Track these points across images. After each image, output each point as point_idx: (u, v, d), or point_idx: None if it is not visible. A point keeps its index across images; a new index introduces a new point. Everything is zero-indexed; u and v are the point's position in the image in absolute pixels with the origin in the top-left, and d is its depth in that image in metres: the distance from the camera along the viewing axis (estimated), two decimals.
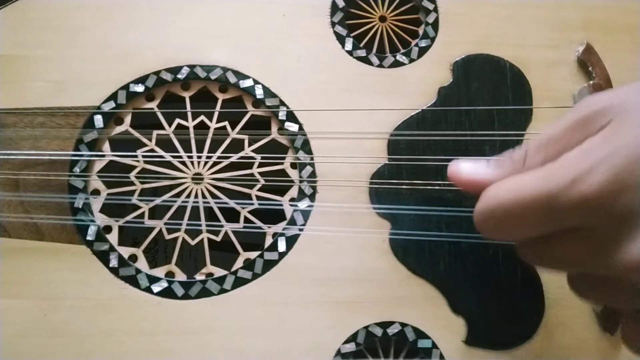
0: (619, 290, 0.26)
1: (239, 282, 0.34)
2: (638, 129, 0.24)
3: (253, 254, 0.35)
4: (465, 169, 0.30)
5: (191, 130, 0.37)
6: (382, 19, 0.41)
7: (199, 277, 0.35)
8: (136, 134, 0.37)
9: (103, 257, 0.34)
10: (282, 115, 0.37)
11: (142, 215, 0.36)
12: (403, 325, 0.34)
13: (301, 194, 0.36)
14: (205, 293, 0.34)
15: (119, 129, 0.37)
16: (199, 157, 0.37)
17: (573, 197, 0.24)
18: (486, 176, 0.29)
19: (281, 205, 0.36)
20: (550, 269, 0.29)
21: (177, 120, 0.37)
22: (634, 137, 0.24)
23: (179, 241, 0.36)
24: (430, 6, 0.40)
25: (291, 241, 0.35)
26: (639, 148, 0.23)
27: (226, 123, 0.38)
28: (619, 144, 0.24)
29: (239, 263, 0.35)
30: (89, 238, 0.35)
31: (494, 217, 0.27)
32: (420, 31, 0.40)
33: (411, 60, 0.39)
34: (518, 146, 0.29)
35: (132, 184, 0.36)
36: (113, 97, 0.37)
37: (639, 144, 0.24)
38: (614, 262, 0.24)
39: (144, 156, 0.37)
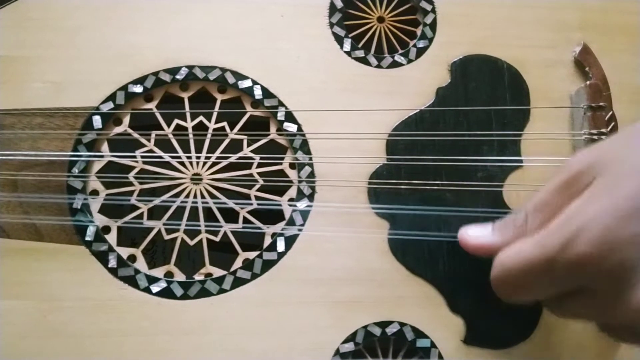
0: (633, 333, 0.28)
1: (238, 282, 0.35)
2: (616, 190, 0.25)
3: (252, 254, 0.35)
4: (473, 236, 0.33)
5: (190, 130, 0.37)
6: (380, 19, 0.41)
7: (198, 277, 0.35)
8: (135, 135, 0.37)
9: (102, 257, 0.34)
10: (280, 115, 0.37)
11: (141, 216, 0.36)
12: (402, 324, 0.35)
13: (300, 194, 0.36)
14: (204, 293, 0.34)
15: (117, 130, 0.37)
16: (198, 158, 0.37)
17: (565, 262, 0.26)
18: (491, 243, 0.31)
19: (280, 205, 0.37)
20: (573, 320, 0.32)
21: (176, 121, 0.37)
22: (614, 197, 0.25)
23: (178, 241, 0.36)
24: (428, 7, 0.40)
25: (290, 241, 0.35)
26: (618, 209, 0.25)
27: (225, 123, 0.38)
28: (601, 205, 0.26)
29: (238, 263, 0.35)
30: (87, 238, 0.35)
31: (505, 283, 0.30)
32: (418, 32, 0.40)
33: (409, 61, 0.39)
34: (519, 210, 0.31)
35: (130, 184, 0.36)
36: (112, 97, 0.37)
37: (618, 206, 0.25)
38: (621, 313, 0.26)
39: (142, 157, 0.37)
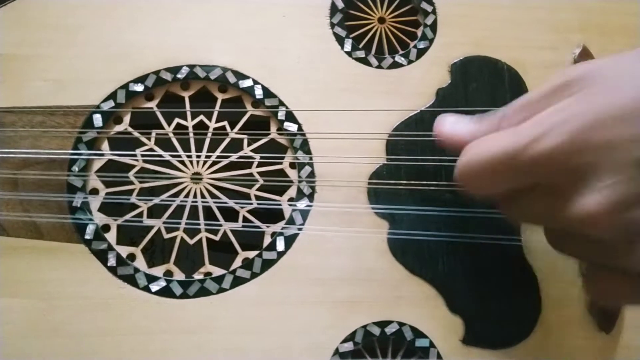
0: (582, 243, 0.28)
1: (238, 282, 0.35)
2: (603, 96, 0.26)
3: (252, 254, 0.35)
4: (449, 123, 0.32)
5: (190, 129, 0.37)
6: (381, 20, 0.42)
7: (198, 276, 0.35)
8: (135, 133, 0.37)
9: (101, 256, 0.34)
10: (281, 115, 0.37)
11: (140, 215, 0.36)
12: (401, 324, 0.35)
13: (300, 194, 0.36)
14: (203, 292, 0.34)
15: (118, 128, 0.37)
16: (198, 157, 0.37)
17: (532, 154, 0.26)
18: (467, 131, 0.31)
19: (280, 205, 0.37)
20: (522, 223, 0.31)
21: (177, 120, 0.37)
22: (598, 102, 0.25)
23: (178, 240, 0.36)
24: (429, 8, 0.40)
25: (290, 241, 0.35)
26: (593, 114, 0.25)
27: (225, 123, 0.38)
28: (582, 108, 0.26)
29: (237, 262, 0.35)
30: (87, 237, 0.35)
31: (470, 171, 0.29)
32: (419, 33, 0.40)
33: (410, 62, 0.39)
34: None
35: (131, 183, 0.36)
36: (112, 96, 0.37)
37: (600, 110, 0.25)
38: (568, 215, 0.26)
39: (143, 155, 0.37)
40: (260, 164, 0.37)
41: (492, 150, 0.28)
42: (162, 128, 0.37)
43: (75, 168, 0.36)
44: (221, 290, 0.34)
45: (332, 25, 0.39)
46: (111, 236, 0.35)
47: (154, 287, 0.34)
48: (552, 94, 0.28)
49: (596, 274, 0.29)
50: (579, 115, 0.25)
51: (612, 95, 0.25)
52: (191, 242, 0.36)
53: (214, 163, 0.37)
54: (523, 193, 0.29)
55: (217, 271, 0.35)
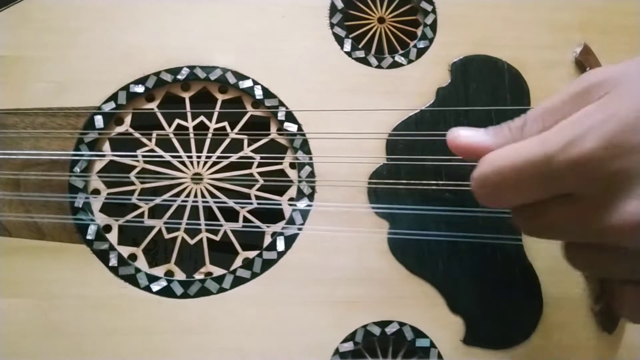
0: (610, 258, 0.27)
1: (238, 282, 0.35)
2: (632, 99, 0.25)
3: (252, 254, 0.35)
4: (464, 135, 0.30)
5: (191, 130, 0.38)
6: (381, 20, 0.42)
7: (198, 276, 0.35)
8: (136, 134, 0.37)
9: (103, 256, 0.35)
10: (281, 115, 0.37)
11: (141, 215, 0.36)
12: (401, 324, 0.34)
13: (300, 194, 0.36)
14: (204, 292, 0.34)
15: (119, 129, 0.37)
16: (199, 157, 0.37)
17: (567, 159, 0.25)
18: (484, 143, 0.29)
19: (280, 205, 0.37)
20: (543, 237, 0.29)
21: (177, 121, 0.38)
22: (628, 105, 0.25)
23: (179, 241, 0.36)
24: (429, 7, 0.40)
25: (290, 241, 0.35)
26: (632, 115, 0.24)
27: (226, 123, 0.38)
28: (614, 110, 0.25)
29: (238, 262, 0.35)
30: (89, 237, 0.35)
31: (491, 183, 0.27)
32: (419, 32, 0.40)
33: (410, 61, 0.39)
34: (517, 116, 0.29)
35: (132, 183, 0.36)
36: (113, 97, 0.37)
37: (632, 112, 0.24)
38: (604, 225, 0.25)
39: (143, 156, 0.37)
40: (260, 164, 0.37)
41: (520, 157, 0.26)
42: (163, 129, 0.37)
43: (77, 169, 0.36)
44: (222, 290, 0.34)
45: (332, 26, 0.39)
46: (112, 236, 0.35)
47: (155, 287, 0.34)
48: (574, 99, 0.27)
49: (623, 290, 0.28)
50: (613, 117, 0.24)
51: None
52: (192, 242, 0.36)
53: (215, 163, 0.37)
54: (547, 204, 0.27)
55: (217, 271, 0.35)
